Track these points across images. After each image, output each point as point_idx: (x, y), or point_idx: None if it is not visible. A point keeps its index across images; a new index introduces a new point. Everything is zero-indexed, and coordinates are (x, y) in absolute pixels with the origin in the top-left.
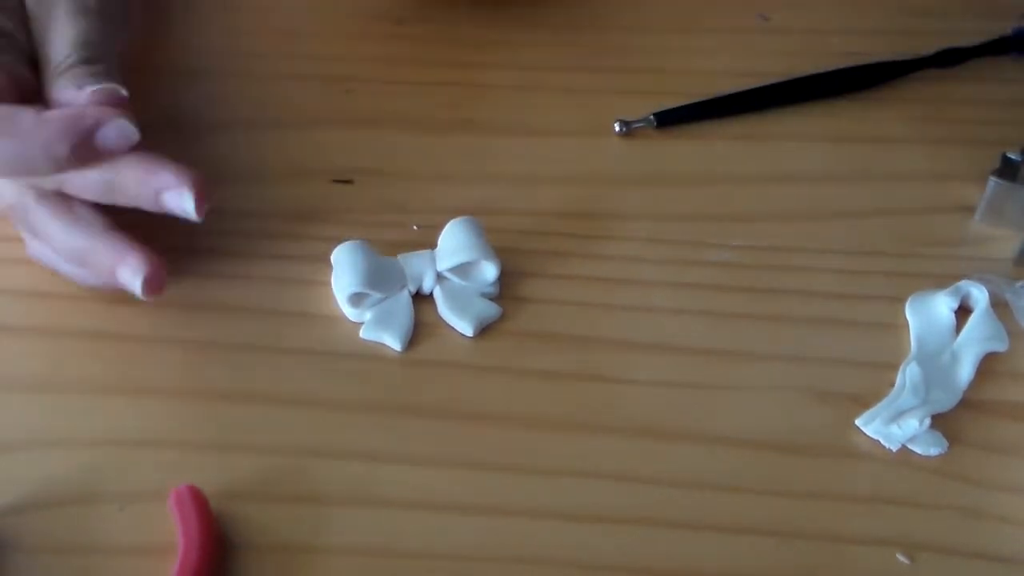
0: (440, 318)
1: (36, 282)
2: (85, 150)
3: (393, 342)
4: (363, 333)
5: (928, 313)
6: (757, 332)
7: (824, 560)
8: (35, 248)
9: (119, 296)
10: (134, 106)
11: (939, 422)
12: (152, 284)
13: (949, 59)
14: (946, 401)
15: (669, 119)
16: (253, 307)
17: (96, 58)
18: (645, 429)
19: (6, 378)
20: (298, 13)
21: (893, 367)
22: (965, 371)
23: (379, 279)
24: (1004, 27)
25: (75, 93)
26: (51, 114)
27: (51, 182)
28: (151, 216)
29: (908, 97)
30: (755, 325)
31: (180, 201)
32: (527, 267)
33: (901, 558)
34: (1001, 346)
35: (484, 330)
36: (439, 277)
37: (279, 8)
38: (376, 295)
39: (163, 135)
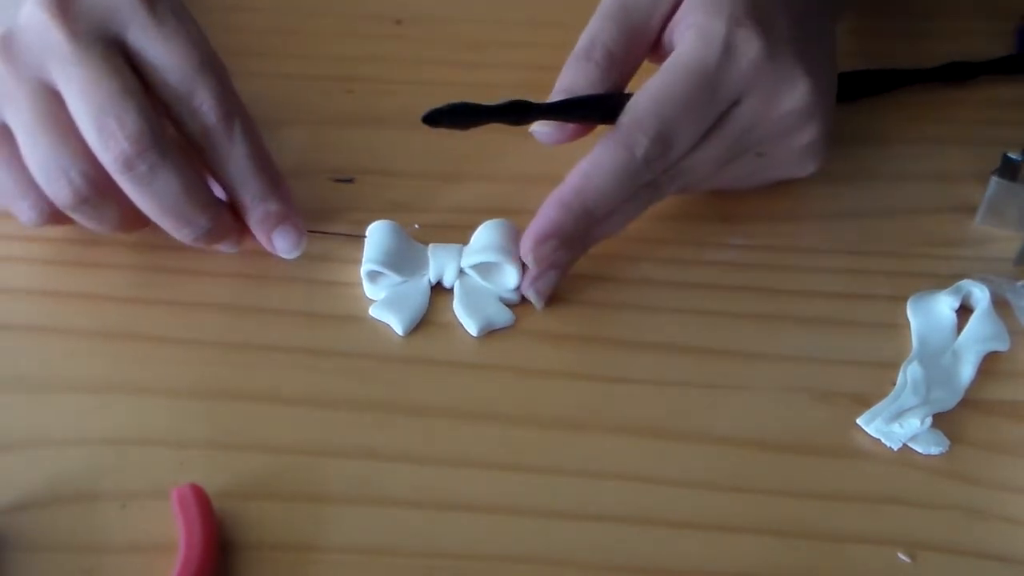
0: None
1: (36, 282)
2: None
3: (397, 325)
4: (371, 310)
5: (929, 312)
6: (758, 332)
7: (825, 559)
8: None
9: (119, 295)
10: None
11: (940, 421)
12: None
13: (955, 74)
14: (947, 400)
15: None
16: (254, 305)
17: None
18: (646, 429)
19: (6, 378)
20: (298, 13)
21: (894, 366)
22: (966, 370)
23: (401, 261)
24: (1009, 27)
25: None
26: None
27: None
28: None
29: (909, 97)
30: (756, 325)
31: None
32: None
33: (902, 557)
34: (1002, 346)
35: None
36: (461, 272)
37: (279, 8)
38: (394, 276)
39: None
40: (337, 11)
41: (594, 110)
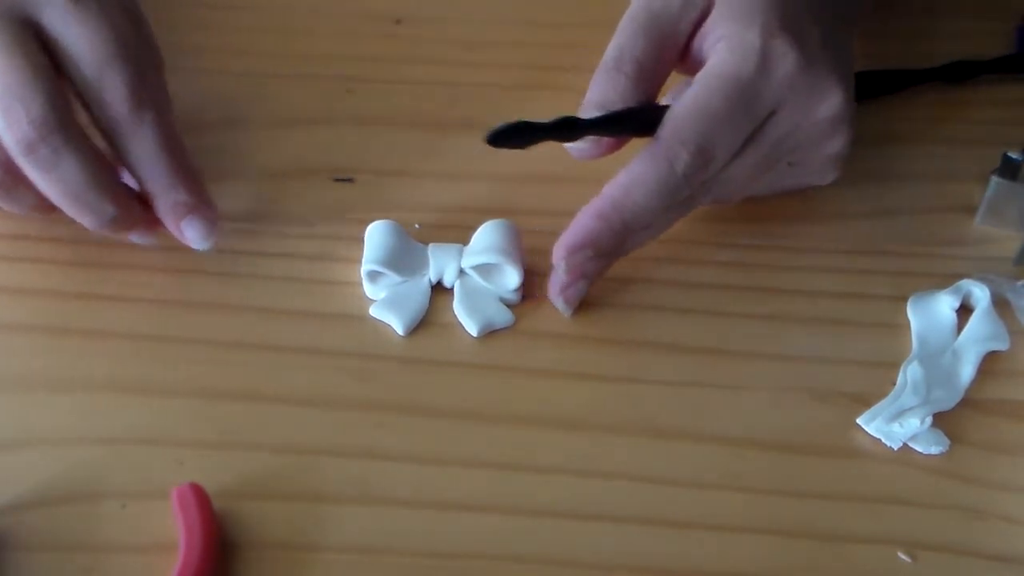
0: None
1: (37, 281)
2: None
3: (397, 325)
4: (372, 310)
5: (929, 312)
6: (758, 332)
7: (825, 559)
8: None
9: (119, 295)
10: None
11: (940, 421)
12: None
13: (957, 73)
14: (947, 400)
15: None
16: (254, 305)
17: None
18: (646, 429)
19: (6, 378)
20: (298, 13)
21: (894, 366)
22: (966, 370)
23: (401, 261)
24: (1009, 27)
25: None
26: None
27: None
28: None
29: (910, 98)
30: (756, 324)
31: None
32: (529, 266)
33: (903, 557)
34: (1002, 345)
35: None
36: (461, 273)
37: (279, 7)
38: (394, 276)
39: None
40: (337, 11)
41: (635, 123)
